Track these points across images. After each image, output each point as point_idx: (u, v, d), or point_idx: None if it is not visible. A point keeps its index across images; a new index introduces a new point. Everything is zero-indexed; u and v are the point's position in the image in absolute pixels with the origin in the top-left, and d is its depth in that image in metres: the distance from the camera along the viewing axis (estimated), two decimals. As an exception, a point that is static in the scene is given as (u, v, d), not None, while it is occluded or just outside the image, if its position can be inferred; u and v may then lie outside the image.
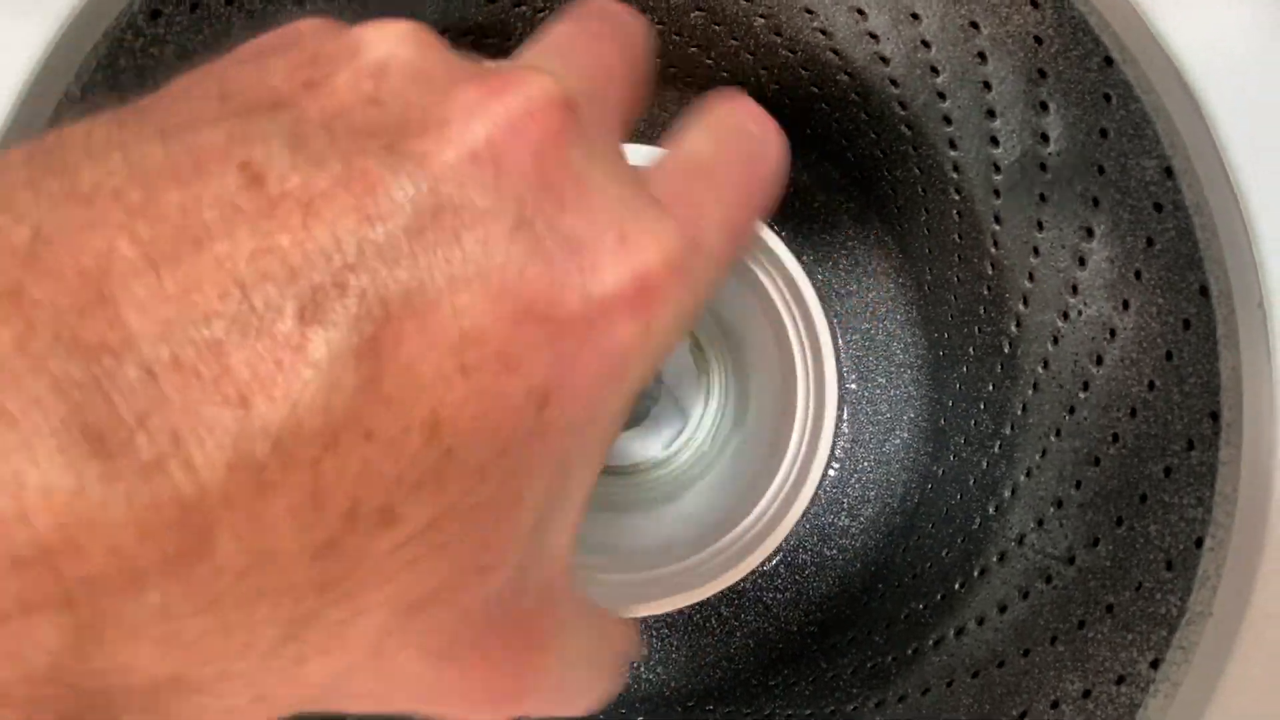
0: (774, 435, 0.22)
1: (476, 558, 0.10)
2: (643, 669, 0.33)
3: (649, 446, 0.31)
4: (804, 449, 0.18)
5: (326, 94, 0.09)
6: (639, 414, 0.32)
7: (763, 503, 0.18)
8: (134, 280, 0.08)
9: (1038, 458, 0.26)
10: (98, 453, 0.07)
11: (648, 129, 0.35)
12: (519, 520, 0.10)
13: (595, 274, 0.10)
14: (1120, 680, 0.19)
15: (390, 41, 0.10)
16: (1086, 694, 0.20)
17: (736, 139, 0.12)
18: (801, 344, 0.18)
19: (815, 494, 0.18)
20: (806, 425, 0.18)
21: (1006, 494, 0.27)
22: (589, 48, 0.12)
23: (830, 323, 0.17)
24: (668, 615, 0.34)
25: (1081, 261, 0.23)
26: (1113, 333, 0.22)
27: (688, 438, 0.31)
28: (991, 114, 0.24)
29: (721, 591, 0.34)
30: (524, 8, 0.28)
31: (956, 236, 0.29)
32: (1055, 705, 0.20)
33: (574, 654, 0.12)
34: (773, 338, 0.22)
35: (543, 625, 0.12)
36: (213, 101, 0.09)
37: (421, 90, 0.10)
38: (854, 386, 0.33)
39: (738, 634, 0.34)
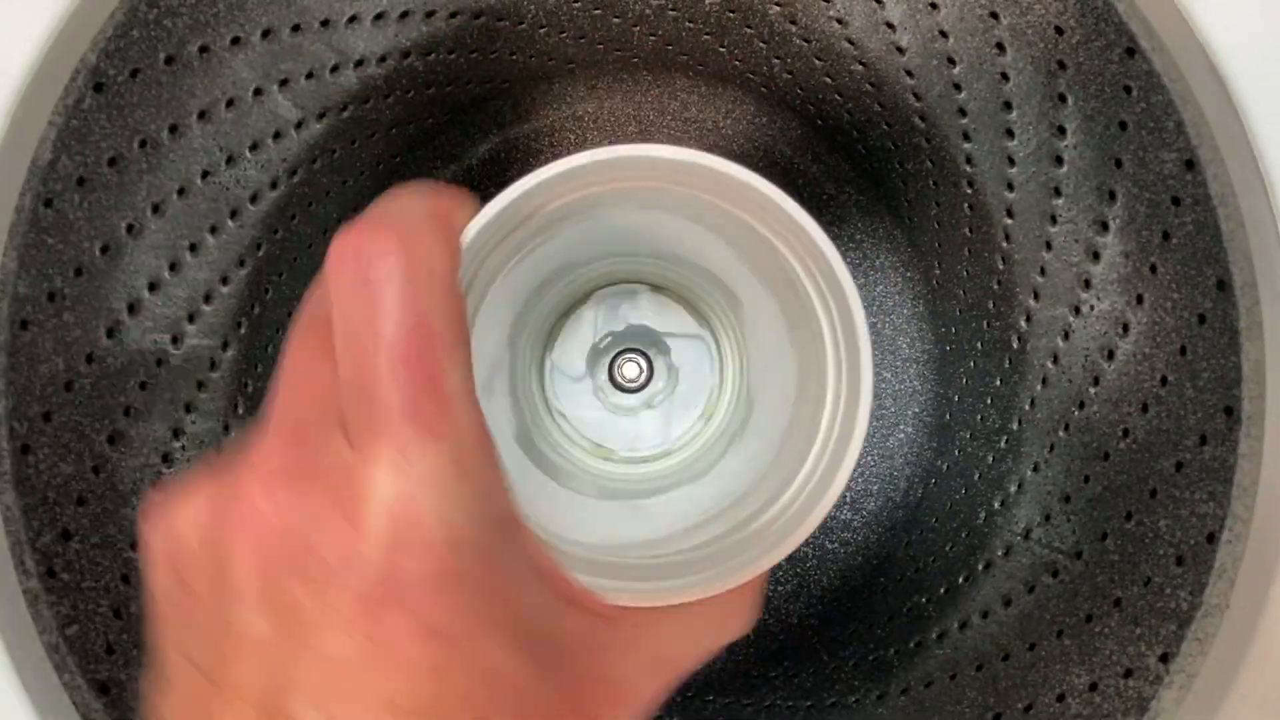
0: (800, 407, 0.21)
1: None
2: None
3: (655, 435, 0.31)
4: (839, 424, 0.18)
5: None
6: (646, 403, 0.31)
7: (798, 481, 0.18)
8: None
9: (1046, 453, 0.26)
10: None
11: (656, 119, 0.35)
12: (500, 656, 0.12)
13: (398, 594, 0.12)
14: (1128, 674, 0.19)
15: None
16: (1093, 687, 0.20)
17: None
18: (831, 319, 0.18)
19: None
20: (840, 401, 0.18)
21: (1013, 489, 0.27)
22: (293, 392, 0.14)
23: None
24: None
25: (1095, 256, 0.23)
26: (1125, 327, 0.22)
27: (694, 432, 0.31)
28: (1008, 106, 0.24)
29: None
30: (538, -10, 0.28)
31: (967, 230, 0.29)
32: (1061, 698, 0.20)
33: (630, 667, 0.15)
34: (785, 312, 0.22)
35: (586, 672, 0.14)
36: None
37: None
38: (860, 379, 0.33)
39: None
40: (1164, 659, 0.18)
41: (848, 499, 0.34)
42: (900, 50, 0.27)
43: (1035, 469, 0.26)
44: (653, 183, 0.19)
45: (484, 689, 0.12)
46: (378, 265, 0.13)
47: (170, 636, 0.13)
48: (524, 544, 0.14)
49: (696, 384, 0.31)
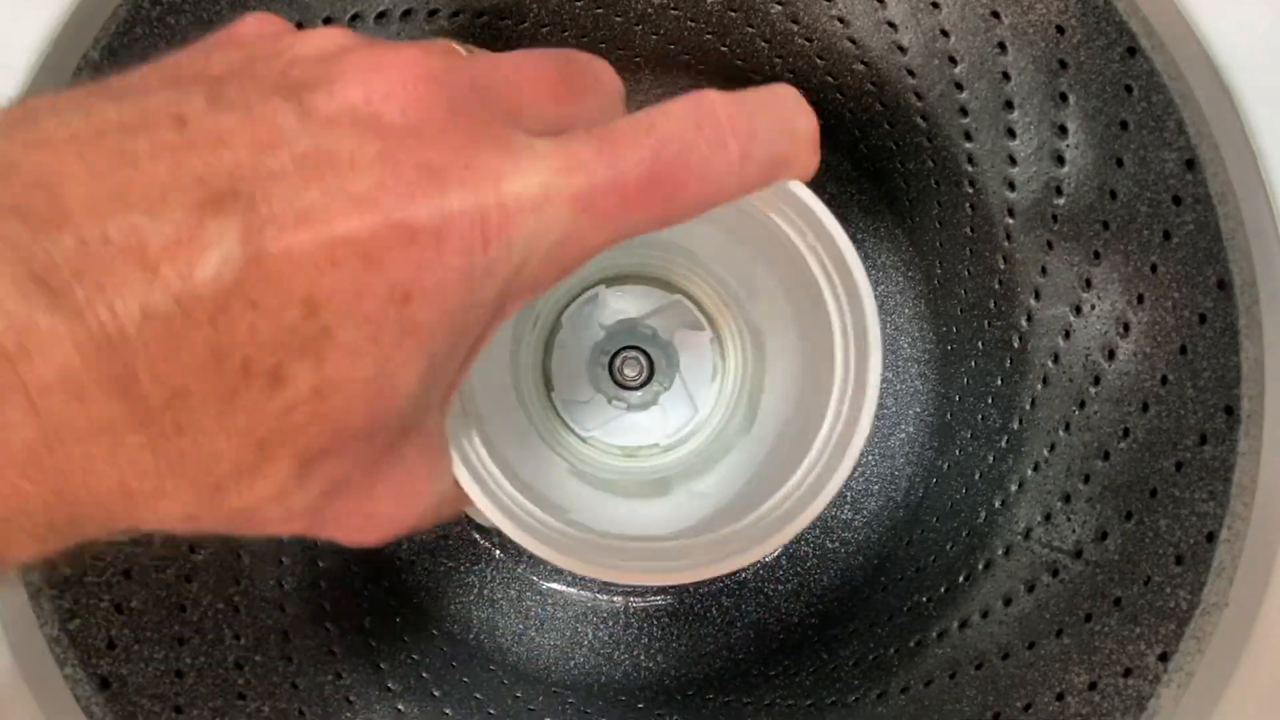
0: (804, 402, 0.22)
1: (359, 424, 0.12)
2: (643, 657, 0.33)
3: (652, 432, 0.31)
4: (844, 416, 0.18)
5: (248, 70, 0.12)
6: (648, 398, 0.32)
7: (801, 469, 0.18)
8: (77, 184, 0.10)
9: (1046, 452, 0.26)
10: (43, 291, 0.10)
11: (659, 117, 0.35)
12: (396, 398, 0.12)
13: (442, 195, 0.12)
14: (1127, 673, 0.19)
15: (315, 37, 0.13)
16: (1092, 686, 0.20)
17: (682, 130, 0.14)
18: (841, 309, 0.18)
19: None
20: (846, 393, 0.18)
21: (1013, 488, 0.27)
22: (520, 62, 0.14)
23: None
24: (668, 604, 0.34)
25: (1096, 255, 0.23)
26: (1126, 327, 0.22)
27: (690, 432, 0.31)
28: (1009, 105, 0.24)
29: (722, 582, 0.34)
30: (540, -11, 0.28)
31: (969, 229, 0.29)
32: (1061, 697, 0.20)
33: (437, 491, 0.16)
34: (793, 305, 0.22)
35: (419, 476, 0.15)
36: (163, 79, 0.12)
37: (325, 62, 0.12)
38: (861, 379, 0.33)
39: (738, 624, 0.34)
40: (1163, 658, 0.18)
41: (848, 498, 0.34)
42: (902, 49, 0.27)
43: (1036, 468, 0.26)
44: None
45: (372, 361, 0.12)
46: (741, 147, 0.14)
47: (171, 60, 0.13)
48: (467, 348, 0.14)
49: (695, 351, 0.31)
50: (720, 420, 0.30)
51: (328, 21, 0.24)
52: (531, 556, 0.34)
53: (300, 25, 0.24)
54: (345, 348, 0.11)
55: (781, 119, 0.15)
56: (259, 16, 0.14)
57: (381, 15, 0.26)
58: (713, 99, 0.14)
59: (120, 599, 0.20)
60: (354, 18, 0.25)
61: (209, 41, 0.14)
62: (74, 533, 0.11)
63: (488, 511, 0.17)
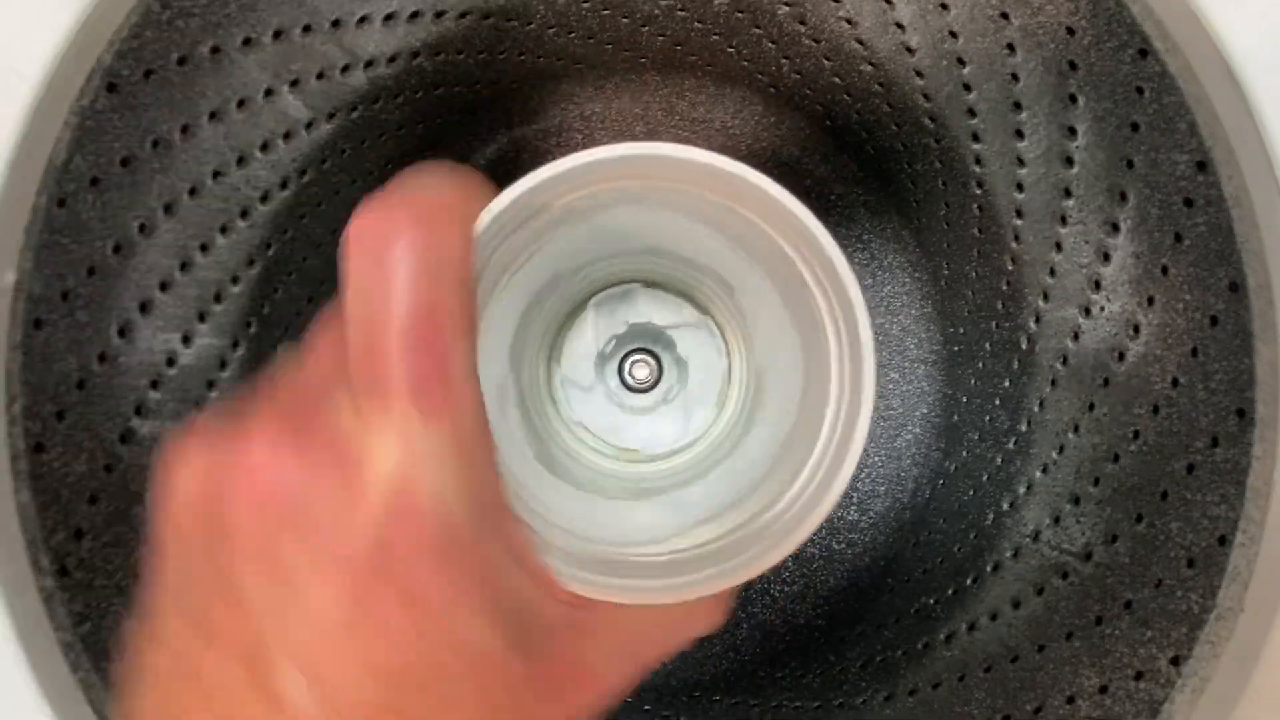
0: (806, 400, 0.21)
1: None
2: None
3: (674, 430, 0.31)
4: (842, 419, 0.18)
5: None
6: (654, 403, 0.31)
7: (805, 472, 0.18)
8: None
9: (1055, 454, 0.25)
10: None
11: (664, 119, 0.35)
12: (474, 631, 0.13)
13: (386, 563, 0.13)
14: (1139, 676, 0.19)
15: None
16: (1103, 689, 0.19)
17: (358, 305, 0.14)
18: (835, 319, 0.18)
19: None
20: (843, 398, 0.18)
21: (1021, 490, 0.27)
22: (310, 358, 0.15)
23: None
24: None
25: (1106, 257, 0.23)
26: (1136, 329, 0.22)
27: (710, 422, 0.31)
28: (1018, 106, 0.24)
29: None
30: (547, -9, 0.28)
31: (976, 230, 0.29)
32: (1071, 700, 0.20)
33: (600, 656, 0.16)
34: (792, 312, 0.22)
35: (558, 656, 0.15)
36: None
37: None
38: (868, 380, 0.33)
39: (744, 626, 0.34)
40: (1175, 661, 0.18)
41: (854, 499, 0.34)
42: (910, 50, 0.27)
43: (1044, 470, 0.26)
44: (659, 182, 0.19)
45: (459, 659, 0.13)
46: (395, 247, 0.13)
47: (164, 583, 0.14)
48: (510, 530, 0.14)
49: (707, 376, 0.31)
50: (709, 445, 0.30)
51: (336, 24, 0.24)
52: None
53: (308, 29, 0.24)
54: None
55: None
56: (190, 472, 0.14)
57: (389, 17, 0.26)
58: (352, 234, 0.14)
59: (131, 603, 0.20)
60: (362, 20, 0.25)
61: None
62: None
63: None
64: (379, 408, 0.13)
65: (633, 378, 0.31)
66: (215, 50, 0.21)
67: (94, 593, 0.19)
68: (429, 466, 0.13)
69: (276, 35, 0.23)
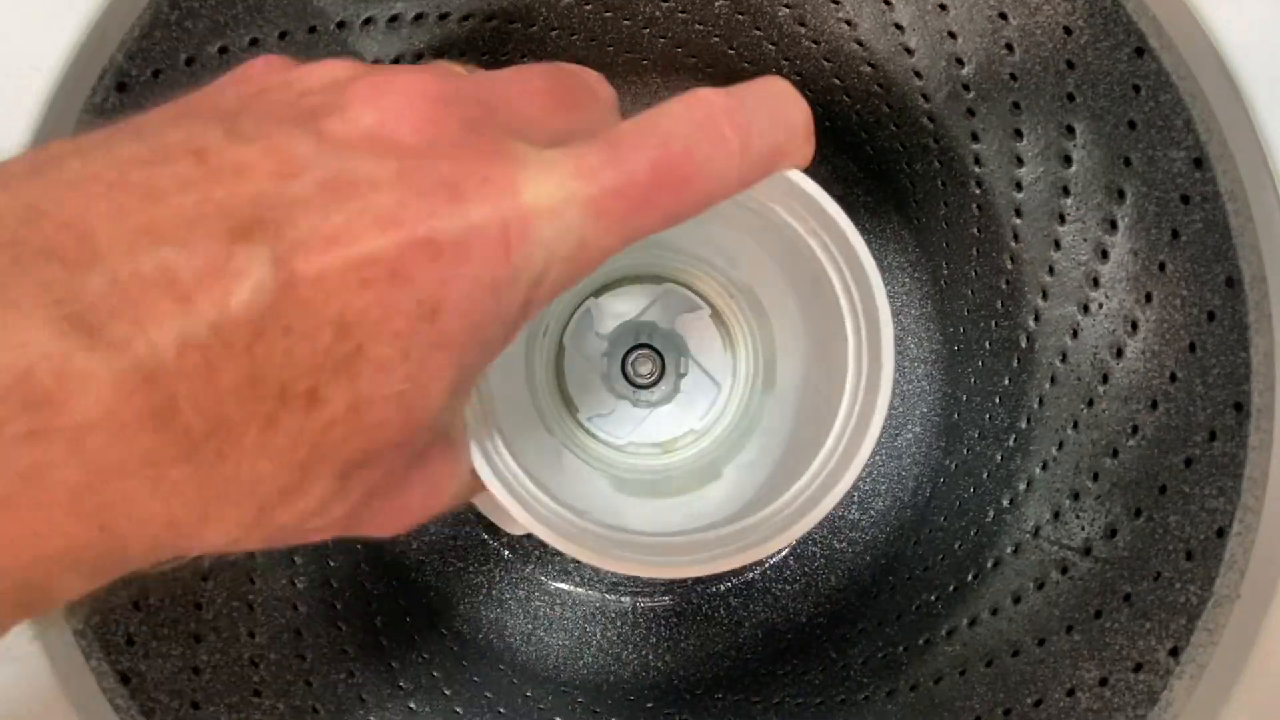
0: (812, 408, 0.22)
1: (395, 435, 0.13)
2: (651, 657, 0.34)
3: (684, 421, 0.31)
4: (859, 407, 0.18)
5: (261, 103, 0.13)
6: (669, 390, 0.32)
7: (816, 463, 0.18)
8: (105, 223, 0.11)
9: (1054, 450, 0.26)
10: (79, 331, 0.10)
11: (665, 120, 0.36)
12: (428, 409, 0.13)
13: (463, 208, 0.12)
14: (1138, 668, 0.19)
15: (322, 68, 0.13)
16: (1103, 681, 0.20)
17: (683, 128, 0.14)
18: (854, 305, 0.18)
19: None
20: (859, 389, 0.18)
21: (1021, 486, 0.27)
22: (518, 78, 0.15)
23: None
24: (676, 604, 0.34)
25: (1104, 254, 0.23)
26: (1134, 325, 0.22)
27: (720, 410, 0.31)
28: (1016, 106, 0.24)
29: (730, 582, 0.34)
30: (549, -7, 0.28)
31: (975, 230, 0.29)
32: (1071, 693, 0.20)
33: (458, 481, 0.16)
34: (795, 290, 0.22)
35: (445, 469, 0.16)
36: (179, 115, 0.13)
37: (335, 89, 0.13)
38: (868, 379, 0.33)
39: (746, 624, 0.34)
40: (1174, 653, 0.18)
41: (856, 498, 0.34)
42: (909, 51, 0.27)
43: (1044, 467, 0.26)
44: None
45: (438, 316, 0.12)
46: (751, 145, 0.14)
47: (195, 100, 0.13)
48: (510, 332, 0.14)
49: (711, 368, 0.31)
50: (744, 389, 0.30)
51: (341, 26, 0.25)
52: (539, 557, 0.34)
53: (313, 30, 0.24)
54: (378, 364, 0.12)
55: (776, 110, 0.15)
56: (266, 57, 0.14)
57: (393, 19, 0.26)
58: (709, 96, 0.14)
59: (138, 596, 0.20)
60: (366, 21, 0.25)
61: (220, 81, 0.14)
62: (121, 567, 0.12)
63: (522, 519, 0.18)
64: (582, 167, 0.13)
65: (637, 373, 0.32)
66: (222, 51, 0.22)
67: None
68: (565, 235, 0.13)
69: (282, 36, 0.23)
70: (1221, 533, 0.18)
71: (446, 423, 0.15)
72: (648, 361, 0.32)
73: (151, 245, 0.10)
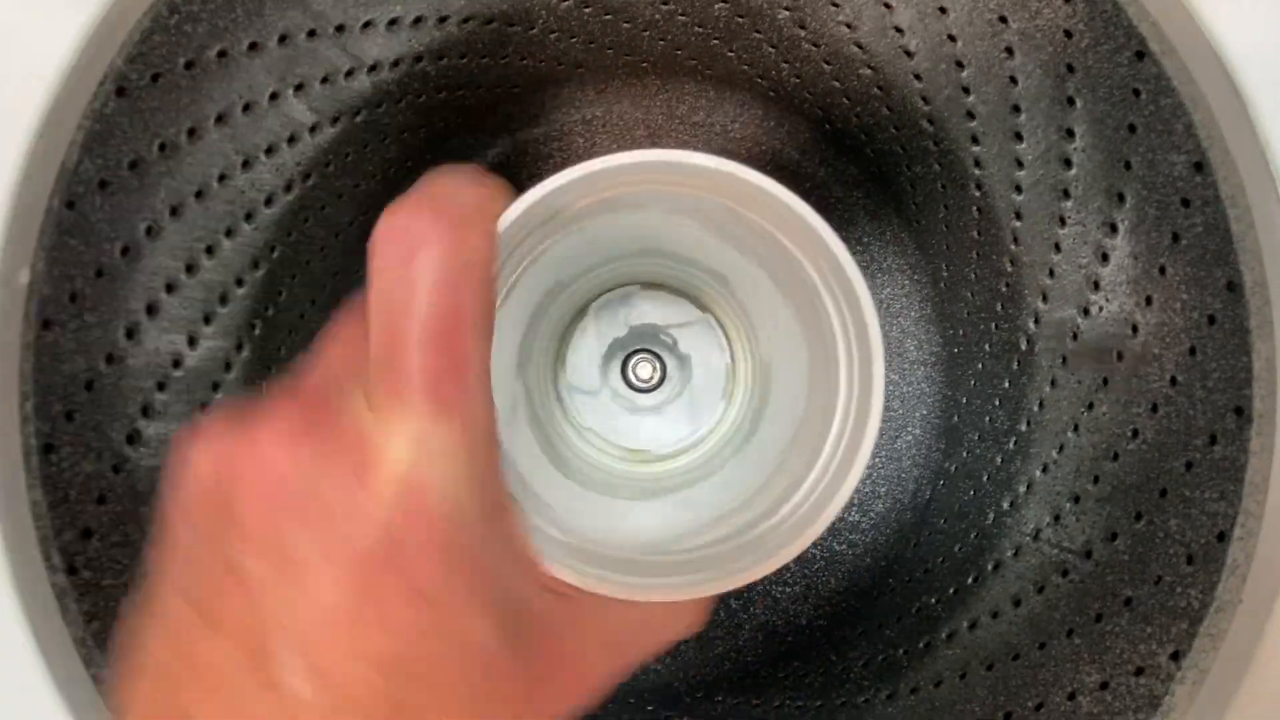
0: (813, 402, 0.22)
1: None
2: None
3: (686, 425, 0.31)
4: (851, 420, 0.18)
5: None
6: (669, 395, 0.32)
7: (815, 472, 0.18)
8: None
9: (1054, 453, 0.26)
10: None
11: (665, 123, 0.36)
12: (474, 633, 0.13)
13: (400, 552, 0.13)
14: (1139, 672, 0.19)
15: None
16: (1104, 686, 0.20)
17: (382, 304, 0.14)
18: (844, 322, 0.18)
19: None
20: (852, 399, 0.18)
21: (1022, 489, 0.27)
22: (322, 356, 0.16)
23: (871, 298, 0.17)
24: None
25: (1104, 257, 0.23)
26: (1135, 329, 0.22)
27: (720, 413, 0.31)
28: (1016, 109, 0.24)
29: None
30: (549, -4, 0.28)
31: (975, 233, 0.29)
32: (1072, 697, 0.20)
33: (585, 648, 0.16)
34: (798, 313, 0.22)
35: (545, 649, 0.15)
36: None
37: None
38: (868, 381, 0.33)
39: (746, 627, 0.34)
40: (1175, 657, 0.18)
41: (856, 501, 0.34)
42: (909, 54, 0.27)
43: (1044, 470, 0.26)
44: (661, 186, 0.19)
45: (458, 654, 0.13)
46: (423, 251, 0.14)
47: (170, 568, 0.14)
48: (510, 525, 0.15)
49: (710, 374, 0.31)
50: (743, 395, 0.30)
51: (340, 29, 0.25)
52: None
53: (313, 33, 0.24)
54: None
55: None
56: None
57: (393, 22, 0.26)
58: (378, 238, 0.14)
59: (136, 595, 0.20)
60: (366, 25, 0.25)
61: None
62: None
63: None
64: (395, 404, 0.13)
65: (637, 378, 0.32)
66: (222, 55, 0.22)
67: (103, 592, 0.19)
68: (441, 464, 0.13)
69: (282, 40, 0.23)
70: (1222, 537, 0.18)
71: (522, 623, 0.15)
72: (648, 366, 0.32)
73: None
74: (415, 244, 0.14)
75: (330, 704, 0.12)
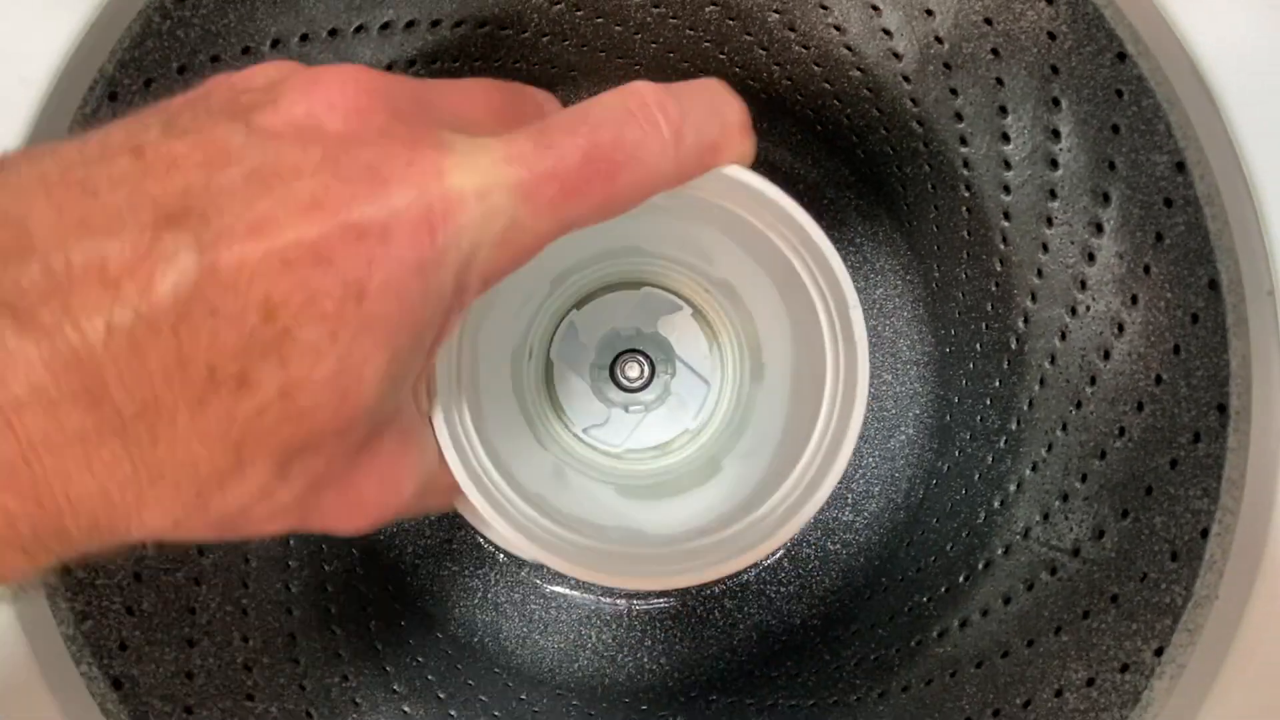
0: (802, 394, 0.22)
1: (330, 421, 0.13)
2: (646, 660, 0.34)
3: (678, 421, 0.32)
4: (834, 422, 0.18)
5: (201, 102, 0.13)
6: (660, 392, 0.32)
7: (801, 464, 0.19)
8: (42, 217, 0.11)
9: (1044, 452, 0.26)
10: (11, 316, 0.11)
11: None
12: (363, 393, 0.13)
13: (385, 192, 0.12)
14: (1124, 668, 0.19)
15: (264, 68, 0.14)
16: (1090, 682, 0.20)
17: (614, 116, 0.14)
18: (827, 306, 0.18)
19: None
20: (838, 390, 0.18)
21: (1012, 488, 0.27)
22: (461, 84, 0.15)
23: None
24: (671, 607, 0.34)
25: (1091, 257, 0.23)
26: (1120, 327, 0.22)
27: (712, 407, 0.31)
28: (1003, 110, 0.25)
29: (724, 584, 0.35)
30: (541, -1, 0.29)
31: (965, 233, 0.30)
32: (1059, 693, 0.21)
33: (419, 477, 0.16)
34: (773, 279, 0.23)
35: (401, 462, 0.15)
36: (126, 121, 0.13)
37: (271, 86, 0.13)
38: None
39: (741, 626, 0.34)
40: (1159, 653, 0.18)
41: (849, 500, 0.35)
42: (897, 56, 0.27)
43: (1034, 468, 0.26)
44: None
45: (366, 297, 0.12)
46: (684, 134, 0.14)
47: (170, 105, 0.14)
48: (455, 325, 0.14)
49: (698, 372, 0.31)
50: (734, 383, 0.30)
51: (333, 34, 0.25)
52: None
53: (305, 37, 0.24)
54: (306, 347, 0.12)
55: (710, 105, 0.16)
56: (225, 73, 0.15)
57: (385, 26, 0.26)
58: (642, 88, 0.14)
59: (131, 601, 0.20)
60: (359, 29, 0.25)
61: (178, 95, 0.15)
62: (61, 545, 0.12)
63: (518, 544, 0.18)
64: (510, 155, 0.13)
65: (625, 377, 0.32)
66: (214, 59, 0.22)
67: (95, 591, 0.19)
68: (486, 214, 0.13)
69: (274, 44, 0.23)
70: (1205, 533, 0.18)
71: (392, 411, 0.15)
72: (635, 366, 0.32)
73: (83, 237, 0.11)
74: (677, 126, 0.14)
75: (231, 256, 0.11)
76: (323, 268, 0.12)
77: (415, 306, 0.13)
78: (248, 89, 0.13)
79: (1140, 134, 0.20)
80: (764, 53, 0.31)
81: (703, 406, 0.31)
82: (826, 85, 0.31)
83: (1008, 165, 0.26)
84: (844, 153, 0.35)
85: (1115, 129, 0.21)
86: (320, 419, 0.13)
